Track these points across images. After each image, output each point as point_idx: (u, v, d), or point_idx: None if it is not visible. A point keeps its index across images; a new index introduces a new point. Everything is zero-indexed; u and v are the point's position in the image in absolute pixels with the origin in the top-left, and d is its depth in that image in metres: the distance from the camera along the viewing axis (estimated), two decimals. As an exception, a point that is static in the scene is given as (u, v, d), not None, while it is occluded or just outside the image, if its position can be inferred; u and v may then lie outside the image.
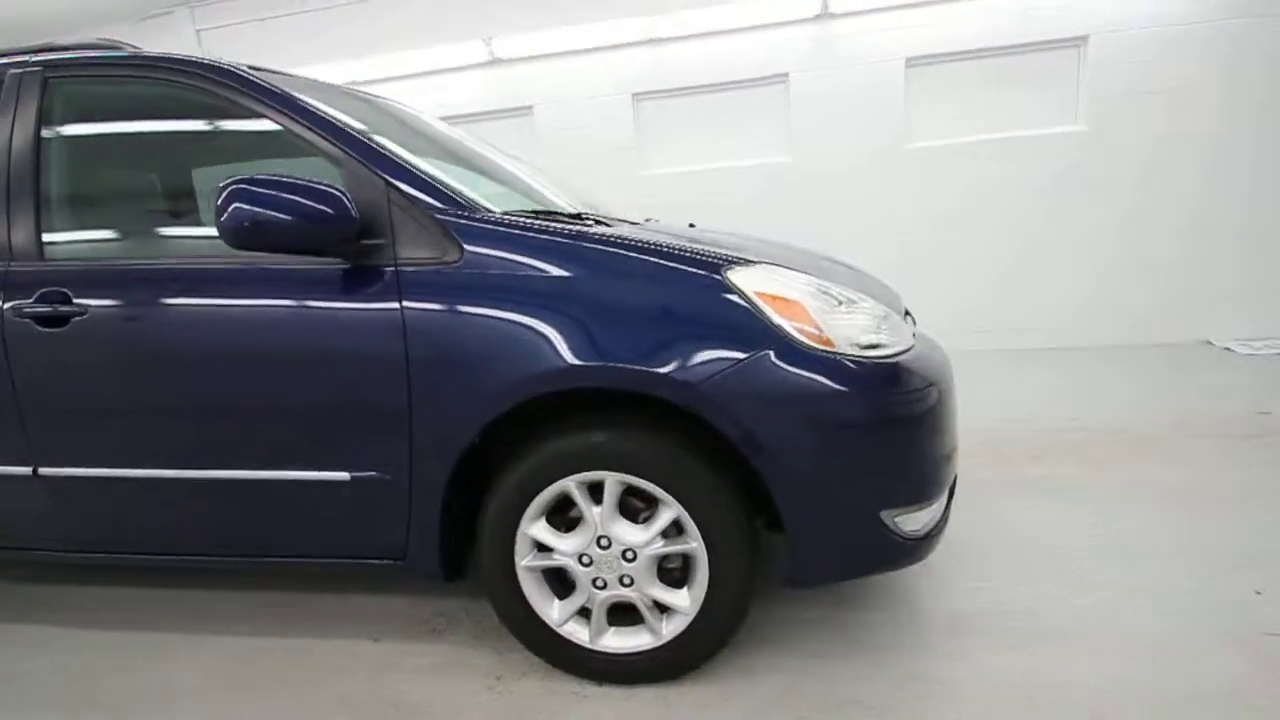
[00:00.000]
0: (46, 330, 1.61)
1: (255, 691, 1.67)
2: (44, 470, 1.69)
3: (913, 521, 1.48)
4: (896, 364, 1.44)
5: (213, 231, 1.44)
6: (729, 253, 1.49)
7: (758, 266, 1.47)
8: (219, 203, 1.34)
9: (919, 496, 1.46)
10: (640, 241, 1.49)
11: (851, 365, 1.39)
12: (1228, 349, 4.27)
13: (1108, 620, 1.69)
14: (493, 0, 4.91)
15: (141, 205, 1.85)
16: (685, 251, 1.47)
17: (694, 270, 1.43)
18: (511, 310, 1.42)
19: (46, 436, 1.67)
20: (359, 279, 1.49)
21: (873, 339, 1.46)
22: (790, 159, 4.84)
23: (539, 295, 1.43)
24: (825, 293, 1.48)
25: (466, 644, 1.80)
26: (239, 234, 1.36)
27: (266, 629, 1.93)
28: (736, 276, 1.42)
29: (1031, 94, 4.49)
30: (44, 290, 1.62)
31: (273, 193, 1.35)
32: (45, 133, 1.69)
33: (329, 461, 1.54)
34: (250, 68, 1.68)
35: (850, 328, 1.44)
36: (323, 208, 1.38)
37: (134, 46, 1.88)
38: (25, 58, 1.75)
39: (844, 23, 4.53)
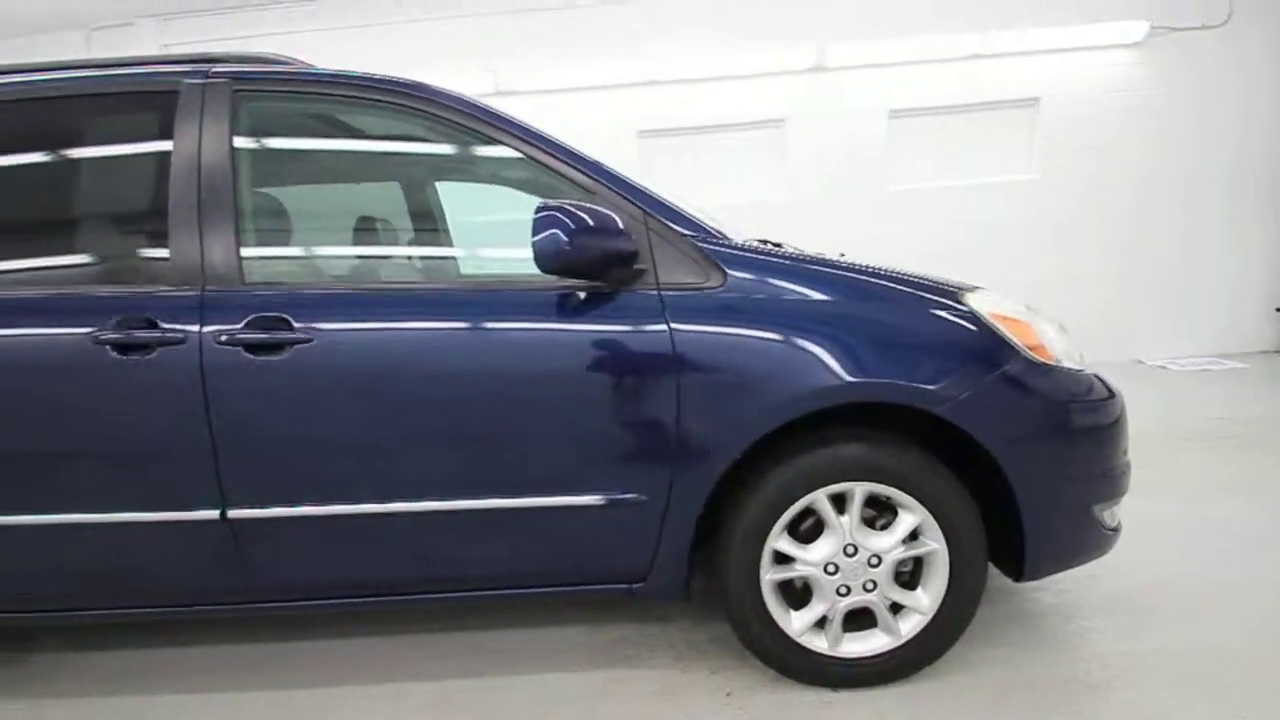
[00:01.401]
0: (258, 359, 1.49)
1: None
2: (234, 513, 1.54)
3: (1111, 515, 1.69)
4: (1098, 373, 1.66)
5: (443, 253, 1.43)
6: (958, 279, 1.66)
7: (985, 291, 1.64)
8: (534, 222, 1.35)
9: (1118, 491, 1.67)
10: (877, 269, 1.62)
11: (1074, 376, 1.59)
12: (1161, 366, 5.00)
13: (1236, 593, 1.97)
14: (499, 33, 4.94)
15: (355, 228, 1.75)
16: (922, 279, 1.62)
17: (937, 296, 1.58)
18: (779, 332, 1.51)
19: (245, 474, 1.52)
20: (622, 303, 1.51)
21: (1067, 352, 1.67)
22: (789, 196, 5.17)
23: (803, 318, 1.52)
24: (1036, 312, 1.68)
25: (670, 666, 1.80)
26: (552, 258, 1.37)
27: (456, 670, 1.82)
28: (974, 300, 1.59)
29: (992, 146, 5.11)
30: (256, 315, 1.50)
31: (582, 219, 1.37)
32: (238, 148, 1.58)
33: (583, 485, 1.53)
34: None
35: (1059, 344, 1.65)
36: (620, 234, 1.41)
37: (302, 62, 1.80)
38: (201, 67, 1.63)
39: (836, 75, 4.96)
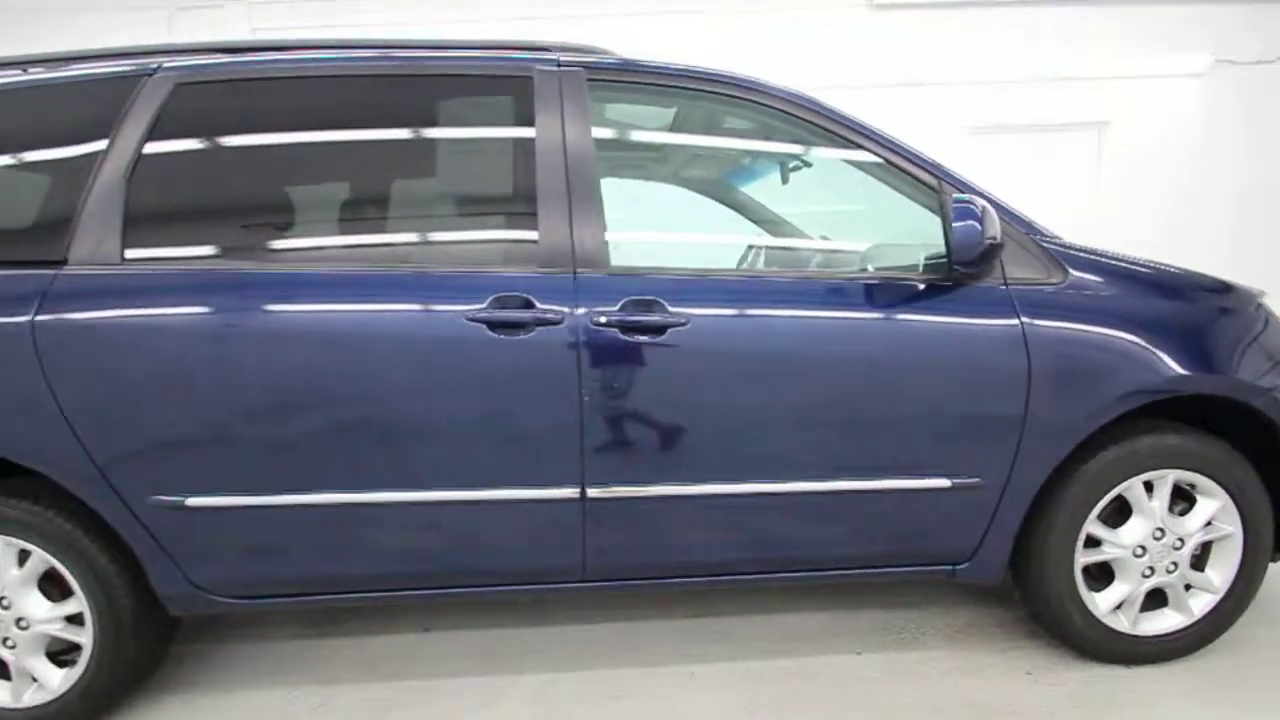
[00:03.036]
0: (632, 339, 1.52)
1: (803, 711, 1.64)
2: (593, 492, 1.56)
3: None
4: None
5: (793, 244, 1.49)
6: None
7: (1266, 296, 1.79)
8: (953, 211, 1.44)
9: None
10: (1183, 270, 1.75)
11: (1355, 377, 1.74)
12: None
13: None
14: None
15: (712, 216, 1.79)
16: (1224, 281, 1.75)
17: (1245, 299, 1.72)
18: (1122, 328, 1.62)
19: (608, 453, 1.55)
20: (973, 297, 1.60)
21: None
22: (858, 206, 5.33)
23: (1140, 315, 1.64)
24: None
25: (948, 647, 1.87)
26: (970, 247, 1.45)
27: (735, 653, 1.87)
28: (1269, 303, 1.73)
29: (1059, 166, 5.37)
30: (631, 298, 1.53)
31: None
32: (597, 136, 1.61)
33: (933, 469, 1.61)
34: None
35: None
36: (996, 230, 1.49)
37: (612, 53, 1.83)
38: (549, 55, 1.66)
39: (919, 91, 5.16)
